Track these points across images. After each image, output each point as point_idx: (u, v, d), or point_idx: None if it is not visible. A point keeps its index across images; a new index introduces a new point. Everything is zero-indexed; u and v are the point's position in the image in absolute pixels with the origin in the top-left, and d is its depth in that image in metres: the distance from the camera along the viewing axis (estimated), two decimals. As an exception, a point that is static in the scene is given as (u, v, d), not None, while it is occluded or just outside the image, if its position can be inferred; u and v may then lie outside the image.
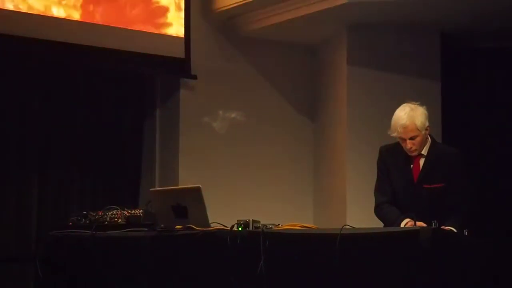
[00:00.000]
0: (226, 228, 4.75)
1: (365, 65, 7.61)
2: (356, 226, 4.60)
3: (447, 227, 4.67)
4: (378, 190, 5.11)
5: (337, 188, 7.64)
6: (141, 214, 5.31)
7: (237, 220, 4.72)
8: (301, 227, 4.78)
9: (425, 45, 7.71)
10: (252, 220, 4.70)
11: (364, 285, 4.33)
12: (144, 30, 7.30)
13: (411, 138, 4.89)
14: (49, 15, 6.83)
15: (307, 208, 8.01)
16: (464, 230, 4.65)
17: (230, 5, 7.49)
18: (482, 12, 7.17)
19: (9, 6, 6.66)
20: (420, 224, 4.56)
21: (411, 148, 4.92)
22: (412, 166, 4.99)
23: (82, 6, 6.99)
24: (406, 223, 4.76)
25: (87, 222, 5.46)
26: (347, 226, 4.47)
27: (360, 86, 7.60)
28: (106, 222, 5.37)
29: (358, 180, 7.15)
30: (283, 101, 8.09)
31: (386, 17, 7.32)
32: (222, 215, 4.91)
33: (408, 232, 4.30)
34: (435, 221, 4.36)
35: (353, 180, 7.37)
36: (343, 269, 4.30)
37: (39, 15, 6.78)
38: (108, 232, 5.26)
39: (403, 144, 4.94)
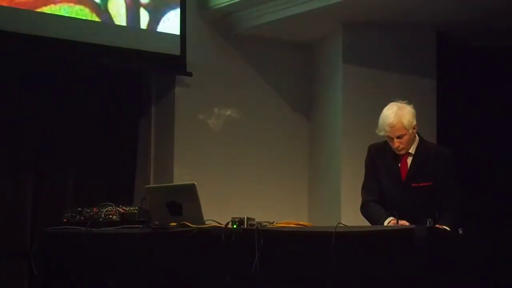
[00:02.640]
0: (220, 225, 4.76)
1: (360, 63, 7.60)
2: (350, 225, 4.60)
3: (441, 226, 4.67)
4: (365, 188, 5.12)
5: (332, 187, 7.63)
6: (135, 211, 5.32)
7: (232, 218, 4.72)
8: (296, 225, 4.78)
9: (421, 43, 7.70)
10: (247, 217, 4.71)
11: (358, 283, 4.34)
12: (140, 27, 7.29)
13: (399, 137, 4.89)
14: (43, 12, 6.80)
15: (302, 206, 8.00)
16: (459, 229, 4.66)
17: (225, 2, 7.48)
18: (478, 11, 7.16)
19: (3, 2, 6.63)
20: (402, 222, 4.59)
21: (398, 146, 4.93)
22: (400, 164, 5.00)
23: (76, 2, 6.97)
24: (389, 221, 4.76)
25: (82, 218, 5.47)
26: (341, 225, 4.47)
27: (355, 84, 7.60)
28: (101, 219, 5.38)
29: (353, 179, 7.07)
30: (279, 98, 8.08)
31: (382, 15, 7.32)
32: (217, 212, 4.91)
33: (402, 231, 4.31)
34: (429, 219, 4.37)
35: (348, 178, 7.35)
36: (338, 266, 4.30)
37: (34, 11, 6.76)
38: (103, 228, 5.27)
39: (390, 143, 4.94)
